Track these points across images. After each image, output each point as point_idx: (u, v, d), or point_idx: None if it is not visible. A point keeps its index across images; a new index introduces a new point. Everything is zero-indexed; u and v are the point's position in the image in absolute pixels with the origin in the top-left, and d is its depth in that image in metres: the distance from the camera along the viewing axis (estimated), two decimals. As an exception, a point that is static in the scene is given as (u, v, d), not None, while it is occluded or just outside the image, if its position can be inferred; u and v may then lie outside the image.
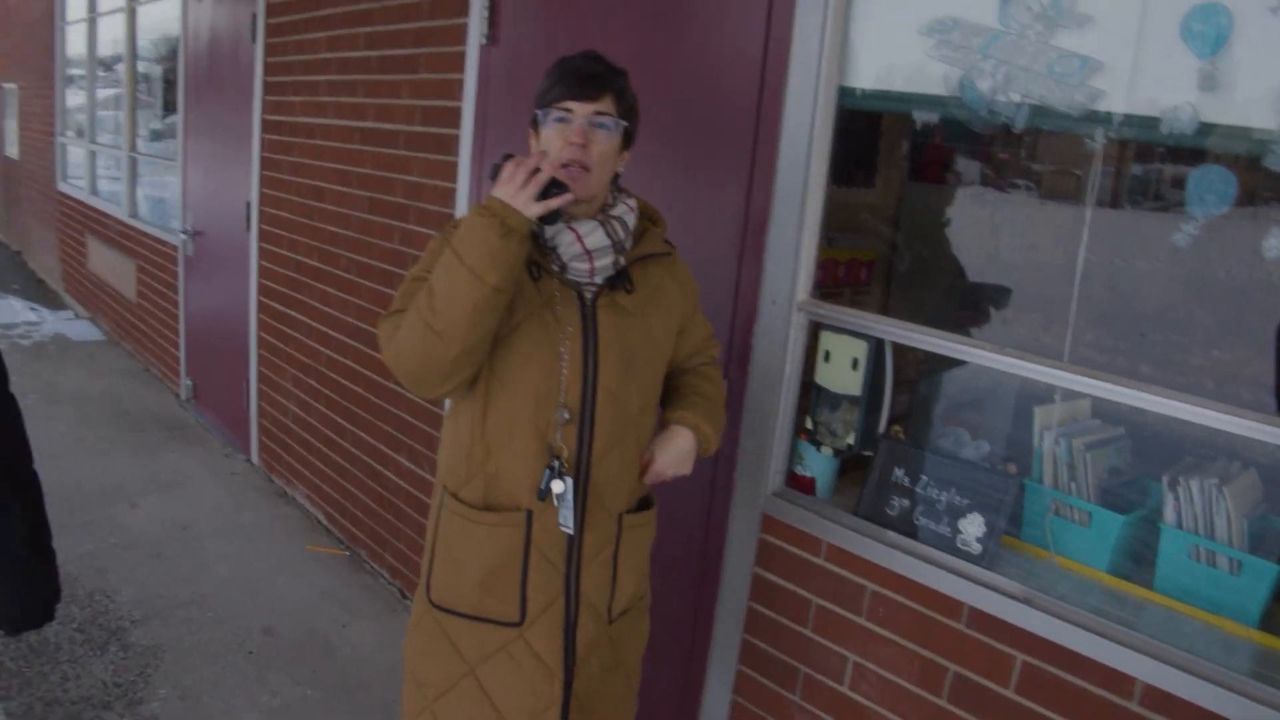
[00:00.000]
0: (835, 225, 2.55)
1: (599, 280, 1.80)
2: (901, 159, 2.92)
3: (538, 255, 1.78)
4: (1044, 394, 2.15)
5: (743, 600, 2.42)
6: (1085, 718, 1.86)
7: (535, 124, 1.80)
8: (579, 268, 1.77)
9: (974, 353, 2.03)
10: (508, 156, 1.68)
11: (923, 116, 2.27)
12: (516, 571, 1.82)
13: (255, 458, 5.05)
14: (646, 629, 2.10)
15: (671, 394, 2.00)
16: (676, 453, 1.92)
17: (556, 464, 1.78)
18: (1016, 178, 2.91)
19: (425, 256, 1.82)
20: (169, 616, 3.53)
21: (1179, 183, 2.03)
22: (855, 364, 2.18)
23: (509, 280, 1.64)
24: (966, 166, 2.99)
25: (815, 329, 2.30)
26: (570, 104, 1.73)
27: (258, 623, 3.55)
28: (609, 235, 1.77)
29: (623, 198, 1.86)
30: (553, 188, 1.64)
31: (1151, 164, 2.45)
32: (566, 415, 1.78)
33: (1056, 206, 2.61)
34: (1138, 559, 2.03)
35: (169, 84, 6.21)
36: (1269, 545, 1.87)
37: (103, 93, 7.76)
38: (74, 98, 8.32)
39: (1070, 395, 2.14)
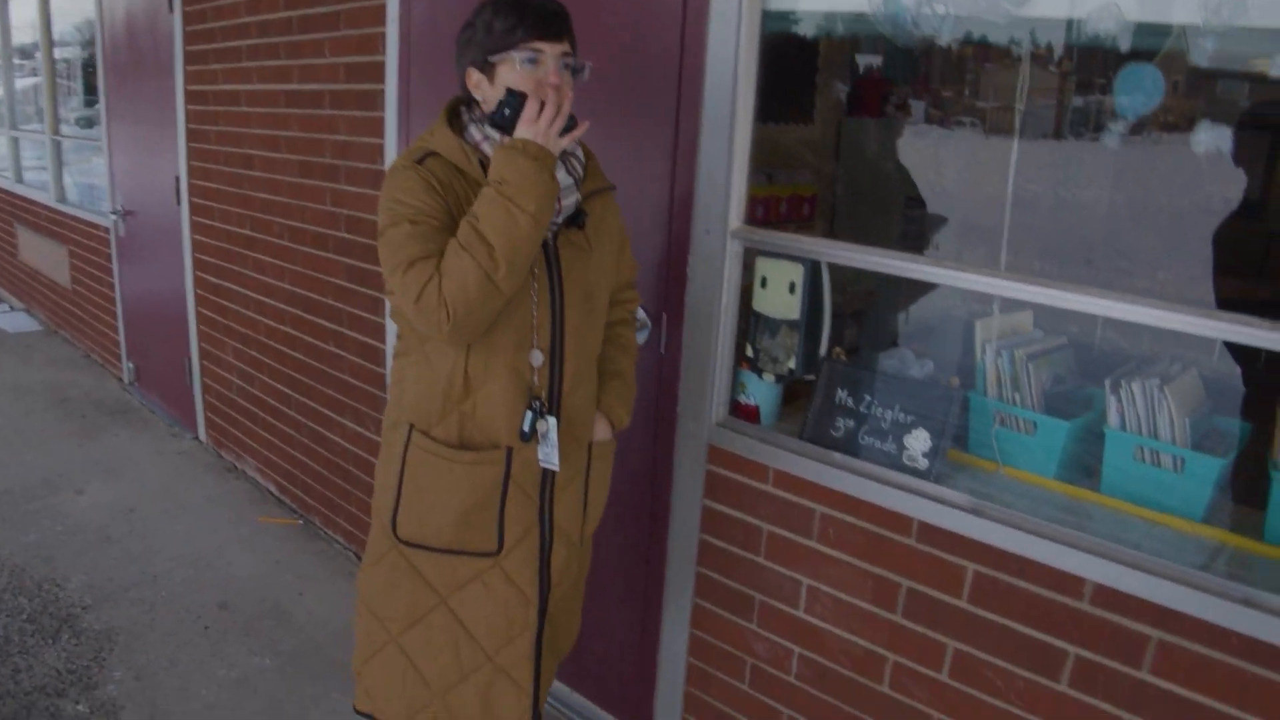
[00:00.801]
0: (776, 162, 2.54)
1: (560, 219, 1.81)
2: (839, 94, 2.90)
3: None
4: (985, 313, 2.14)
5: (694, 533, 2.40)
6: (1037, 622, 1.87)
7: (482, 65, 1.74)
8: None
9: (909, 267, 2.01)
10: (515, 94, 1.69)
11: (849, 32, 2.24)
12: (495, 506, 1.86)
13: (203, 435, 4.96)
14: (590, 549, 2.21)
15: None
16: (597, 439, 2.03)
17: (537, 404, 1.82)
18: (954, 108, 2.91)
19: (406, 200, 1.72)
20: (120, 599, 3.46)
21: (1107, 89, 2.03)
22: (792, 288, 2.16)
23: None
24: (903, 97, 2.98)
25: (752, 257, 2.27)
26: (540, 44, 1.71)
27: (212, 598, 3.49)
28: (570, 173, 1.82)
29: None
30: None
31: (1083, 73, 2.45)
32: (541, 357, 1.81)
33: (991, 133, 2.60)
34: (1084, 465, 2.04)
35: (91, 70, 6.01)
36: (1212, 443, 1.89)
37: (22, 82, 7.51)
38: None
39: (1010, 308, 2.14)
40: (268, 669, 3.09)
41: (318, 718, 2.84)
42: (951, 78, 2.93)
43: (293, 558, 3.82)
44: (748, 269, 2.27)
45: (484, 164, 1.75)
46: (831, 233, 2.71)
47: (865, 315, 2.62)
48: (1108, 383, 1.95)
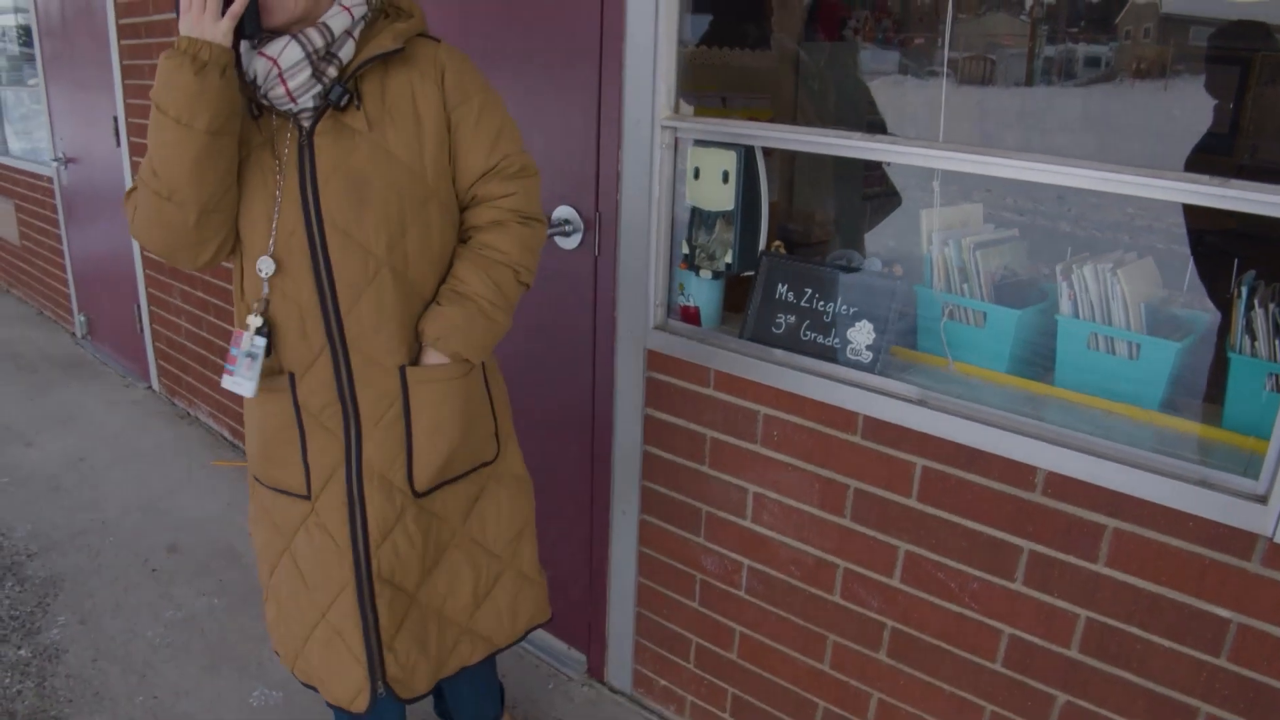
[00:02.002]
0: (730, 86, 2.44)
1: (307, 102, 1.55)
2: (796, 19, 2.80)
3: (250, 90, 1.57)
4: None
5: (637, 445, 2.31)
6: (989, 517, 1.79)
7: None
8: (277, 94, 1.54)
9: (843, 144, 1.90)
10: None
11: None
12: (294, 440, 1.69)
13: (155, 384, 4.84)
14: (512, 499, 1.90)
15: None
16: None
17: (255, 321, 1.63)
18: (907, 28, 2.80)
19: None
20: (67, 546, 3.37)
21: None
22: (726, 177, 2.04)
23: (223, 120, 1.48)
24: (859, 20, 2.87)
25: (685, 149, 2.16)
26: None
27: (162, 541, 3.40)
28: (302, 46, 1.51)
29: None
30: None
31: None
32: (271, 265, 1.60)
33: (943, 52, 2.50)
34: (1037, 357, 1.95)
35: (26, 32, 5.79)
36: (1168, 331, 1.80)
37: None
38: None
39: (955, 199, 2.05)
40: (216, 608, 3.00)
41: (264, 654, 2.76)
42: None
43: (245, 499, 3.69)
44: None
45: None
46: (792, 160, 2.58)
47: (826, 245, 2.53)
48: (1059, 269, 1.85)
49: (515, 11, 2.34)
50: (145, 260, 4.60)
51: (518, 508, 1.91)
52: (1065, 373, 1.86)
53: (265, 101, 1.56)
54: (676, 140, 2.12)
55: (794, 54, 2.74)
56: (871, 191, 2.61)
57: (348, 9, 1.57)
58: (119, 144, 4.54)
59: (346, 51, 1.57)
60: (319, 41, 1.53)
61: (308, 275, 1.60)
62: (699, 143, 2.10)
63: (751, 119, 2.39)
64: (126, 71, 4.35)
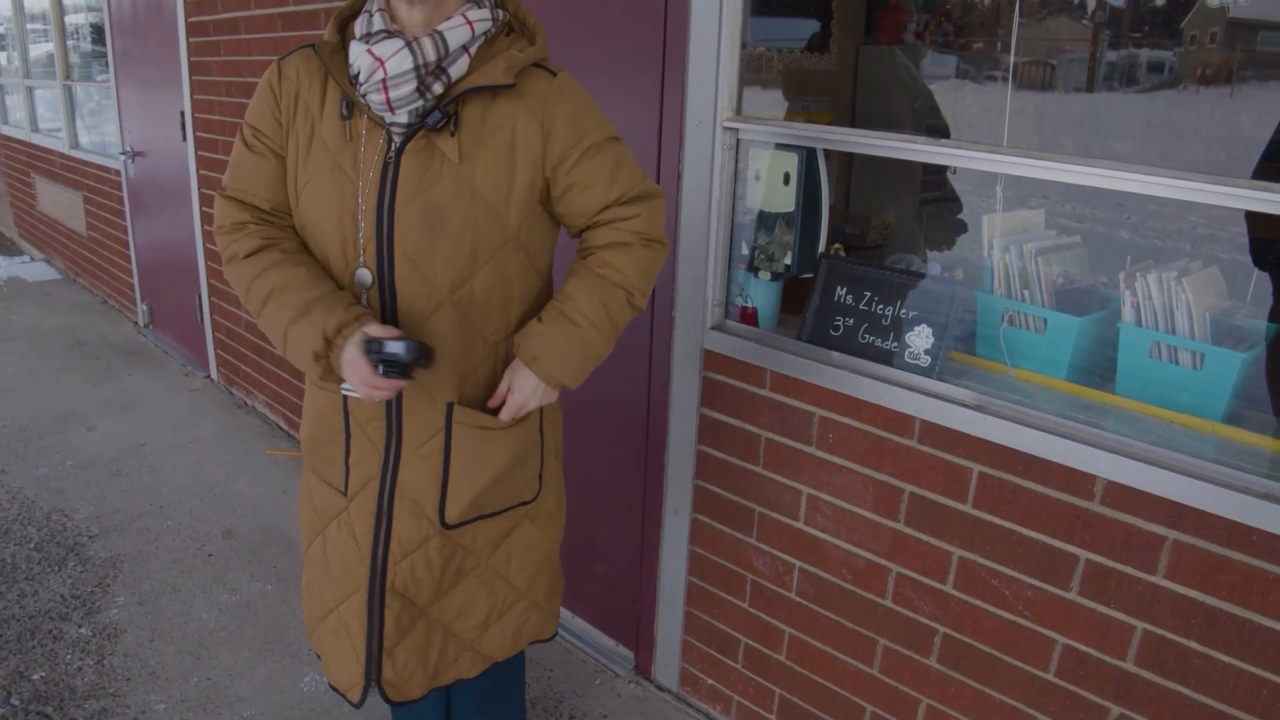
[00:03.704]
0: (789, 89, 2.44)
1: (403, 117, 1.50)
2: (857, 23, 2.79)
3: (348, 87, 1.53)
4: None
5: (691, 444, 2.32)
6: (1045, 525, 1.77)
7: None
8: (375, 99, 1.48)
9: (908, 148, 1.90)
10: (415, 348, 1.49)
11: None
12: (339, 441, 1.70)
13: (214, 373, 4.94)
14: (543, 538, 1.86)
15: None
16: (530, 389, 1.65)
17: None
18: (968, 33, 2.78)
19: (250, 112, 1.64)
20: (127, 529, 3.45)
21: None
22: (787, 179, 2.05)
23: None
24: (920, 24, 2.86)
25: (746, 151, 2.16)
26: None
27: (218, 527, 3.47)
28: (413, 55, 1.45)
29: (469, 8, 1.52)
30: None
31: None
32: (369, 277, 1.55)
33: (1005, 56, 2.48)
34: (1097, 366, 1.93)
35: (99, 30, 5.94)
36: (1234, 341, 1.77)
37: (36, 49, 7.45)
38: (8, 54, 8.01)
39: (1014, 205, 2.03)
40: (269, 594, 3.06)
41: (317, 641, 2.82)
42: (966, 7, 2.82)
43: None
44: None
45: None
46: (849, 163, 2.57)
47: (883, 249, 2.52)
48: (1122, 276, 1.83)
49: (578, 10, 2.36)
50: (208, 253, 4.69)
51: (546, 545, 1.88)
52: (1126, 381, 1.84)
53: (362, 100, 1.52)
54: (738, 141, 2.13)
55: (853, 57, 2.74)
56: (929, 196, 2.60)
57: (470, 23, 1.50)
58: (185, 138, 4.64)
59: (459, 68, 1.51)
60: (431, 55, 1.47)
61: (374, 296, 1.58)
62: (760, 144, 2.10)
63: (810, 120, 2.40)
64: (194, 68, 4.45)
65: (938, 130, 2.64)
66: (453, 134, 1.51)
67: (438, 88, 1.50)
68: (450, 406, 1.64)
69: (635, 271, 1.64)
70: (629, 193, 1.62)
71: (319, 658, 1.91)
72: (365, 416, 1.66)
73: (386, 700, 1.81)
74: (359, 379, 1.50)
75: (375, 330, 1.49)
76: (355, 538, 1.72)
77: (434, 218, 1.51)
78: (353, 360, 1.49)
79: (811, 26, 2.65)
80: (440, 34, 1.48)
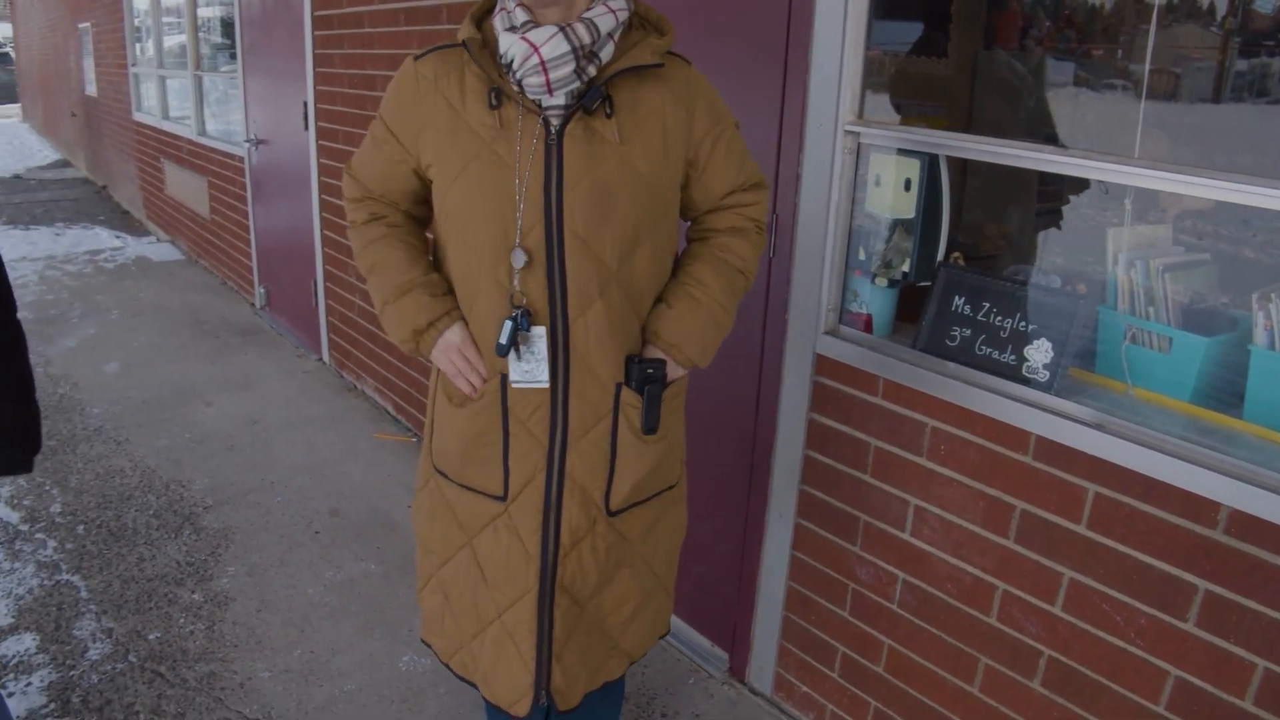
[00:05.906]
0: (905, 94, 2.41)
1: (561, 99, 1.54)
2: (975, 27, 2.74)
3: (497, 76, 1.56)
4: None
5: (799, 448, 2.31)
6: (1163, 551, 1.72)
7: None
8: (534, 82, 1.51)
9: (1033, 157, 1.86)
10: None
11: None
12: (497, 442, 1.68)
13: (326, 356, 5.09)
14: (678, 521, 1.89)
15: (673, 277, 1.74)
16: (673, 375, 1.73)
17: (518, 313, 1.58)
18: (1090, 39, 2.71)
19: (382, 109, 1.72)
20: (239, 502, 3.58)
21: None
22: (908, 185, 2.02)
23: None
24: (1040, 29, 2.79)
25: (867, 155, 2.14)
26: None
27: (325, 505, 3.58)
28: (569, 40, 1.50)
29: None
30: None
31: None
32: (525, 257, 1.56)
33: (1131, 65, 2.41)
34: (1225, 389, 1.85)
35: (229, 24, 6.18)
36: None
37: (169, 41, 7.77)
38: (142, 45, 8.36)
39: (1142, 218, 1.97)
40: (372, 574, 3.14)
41: (415, 623, 2.88)
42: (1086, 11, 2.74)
43: (405, 472, 3.89)
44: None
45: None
46: (964, 169, 2.53)
47: (997, 259, 2.47)
48: (1255, 297, 1.76)
49: (700, 12, 2.37)
50: (324, 239, 4.84)
51: (681, 532, 1.92)
52: (1256, 407, 1.76)
53: (516, 88, 1.55)
54: (859, 145, 2.11)
55: (971, 61, 2.69)
56: (1046, 206, 2.54)
57: (613, 11, 1.55)
58: (307, 128, 4.79)
59: (607, 53, 1.55)
60: (586, 38, 1.51)
61: (541, 277, 1.58)
62: (881, 149, 2.08)
63: (926, 126, 2.36)
64: (318, 60, 4.59)
65: (1056, 139, 2.59)
66: (608, 115, 1.56)
67: (591, 70, 1.55)
68: (619, 388, 1.67)
69: (751, 257, 1.75)
70: (750, 179, 1.72)
71: (468, 682, 1.88)
72: (527, 411, 1.66)
73: (554, 714, 1.82)
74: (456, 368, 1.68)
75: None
76: (520, 537, 1.71)
77: (603, 196, 1.56)
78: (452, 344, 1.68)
79: (929, 30, 2.61)
80: (591, 20, 1.53)
